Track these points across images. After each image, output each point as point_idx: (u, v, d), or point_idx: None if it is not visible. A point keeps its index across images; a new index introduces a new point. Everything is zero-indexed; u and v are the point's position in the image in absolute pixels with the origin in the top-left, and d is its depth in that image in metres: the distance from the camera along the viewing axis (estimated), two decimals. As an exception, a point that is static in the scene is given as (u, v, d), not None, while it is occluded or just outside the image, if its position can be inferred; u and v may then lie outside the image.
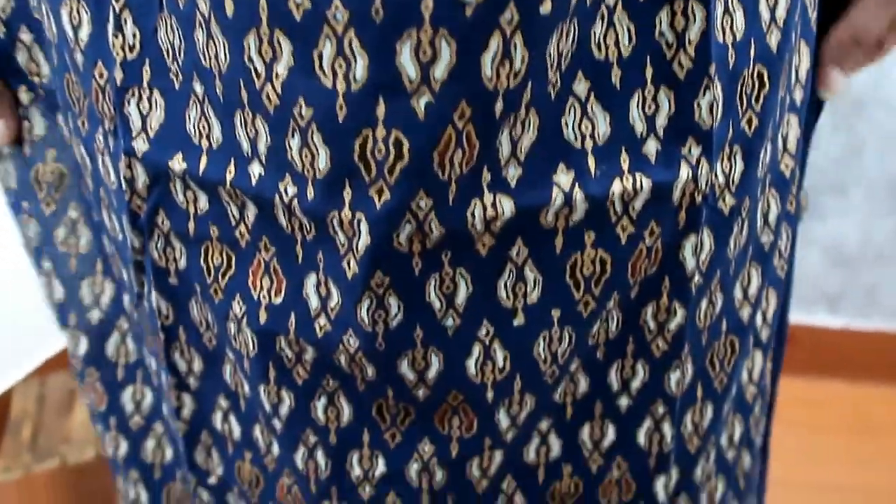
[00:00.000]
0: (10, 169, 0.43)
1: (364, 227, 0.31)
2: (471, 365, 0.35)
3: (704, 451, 0.43)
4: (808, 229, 1.37)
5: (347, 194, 0.30)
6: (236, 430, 0.42)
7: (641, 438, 0.40)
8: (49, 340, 1.59)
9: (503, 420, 0.37)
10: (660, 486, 0.41)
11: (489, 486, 0.40)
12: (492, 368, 0.35)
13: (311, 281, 0.34)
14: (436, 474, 0.38)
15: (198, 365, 0.41)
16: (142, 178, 0.35)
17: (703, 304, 0.37)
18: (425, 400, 0.36)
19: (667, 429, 0.40)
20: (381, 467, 0.39)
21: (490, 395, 0.36)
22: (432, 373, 0.35)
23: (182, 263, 0.37)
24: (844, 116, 1.28)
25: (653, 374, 0.39)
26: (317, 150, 0.30)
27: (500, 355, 0.35)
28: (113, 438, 0.48)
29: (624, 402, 0.39)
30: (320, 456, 0.39)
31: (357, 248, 0.31)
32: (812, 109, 0.42)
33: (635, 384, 0.39)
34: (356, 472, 0.39)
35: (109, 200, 0.39)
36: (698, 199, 0.33)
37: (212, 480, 0.45)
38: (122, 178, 0.35)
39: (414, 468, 0.38)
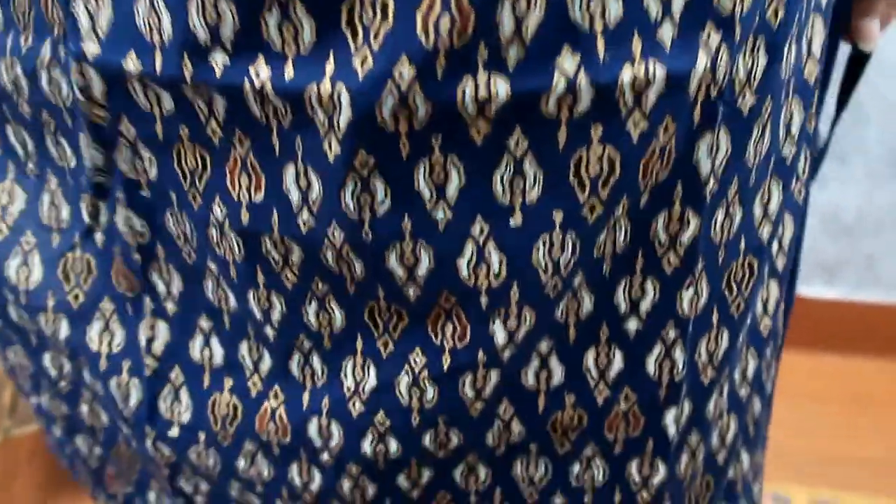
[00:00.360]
0: None
1: (345, 99, 0.29)
2: (463, 265, 0.33)
3: (718, 384, 0.40)
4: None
5: (330, 66, 0.29)
6: (218, 354, 0.40)
7: (651, 367, 0.38)
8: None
9: (499, 334, 0.35)
10: (670, 420, 0.39)
11: (484, 410, 0.37)
12: (486, 272, 0.33)
13: (290, 173, 0.32)
14: (427, 391, 0.36)
15: (177, 285, 0.39)
16: (97, 85, 0.32)
17: (720, 215, 0.35)
18: (416, 301, 0.34)
19: (679, 355, 0.37)
20: (372, 379, 0.37)
21: (484, 301, 0.34)
22: (422, 270, 0.33)
23: (153, 173, 0.35)
24: (846, 82, 1.27)
25: (664, 294, 0.36)
26: (301, 23, 0.28)
27: (495, 258, 0.33)
28: (51, 399, 0.46)
29: (632, 325, 0.37)
30: (316, 361, 0.37)
31: (338, 124, 0.29)
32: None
33: (645, 305, 0.36)
34: (349, 381, 0.37)
35: (58, 122, 0.37)
36: (714, 92, 0.31)
37: (173, 433, 0.42)
38: (76, 87, 0.33)
39: (404, 382, 0.36)
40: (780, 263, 0.42)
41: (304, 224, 0.33)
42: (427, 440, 0.38)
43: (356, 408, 0.37)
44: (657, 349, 0.37)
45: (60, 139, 0.38)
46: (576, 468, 0.41)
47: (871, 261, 1.40)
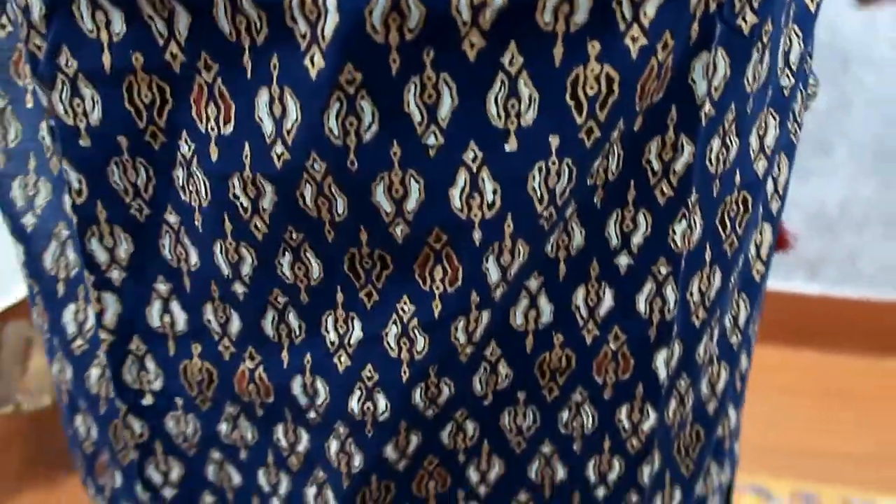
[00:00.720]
0: None
1: (331, 2, 0.27)
2: (455, 195, 0.31)
3: (709, 327, 0.39)
4: (790, 191, 1.37)
5: None
6: (181, 319, 0.37)
7: (642, 305, 0.36)
8: (7, 289, 1.54)
9: (493, 271, 0.33)
10: (660, 363, 0.37)
11: (473, 354, 0.36)
12: (480, 202, 0.31)
13: (262, 99, 0.30)
14: (416, 341, 0.34)
15: (124, 248, 0.35)
16: (37, 6, 0.29)
17: (716, 143, 0.34)
18: (404, 241, 0.32)
19: (670, 293, 0.36)
20: (357, 332, 0.35)
21: (478, 236, 0.32)
22: (412, 203, 0.31)
23: (95, 116, 0.32)
24: (832, 74, 1.28)
25: (656, 227, 0.35)
26: None
27: (489, 187, 0.31)
28: (58, 361, 0.43)
29: (623, 260, 0.35)
30: (293, 318, 0.35)
31: (323, 34, 0.27)
32: None
33: (636, 239, 0.35)
34: (331, 336, 0.35)
35: (12, 54, 0.35)
36: (713, 6, 0.30)
37: (146, 401, 0.39)
38: (14, 6, 0.30)
39: (392, 333, 0.34)
40: (775, 207, 0.41)
41: (279, 158, 0.30)
42: (417, 395, 0.36)
43: (342, 362, 0.35)
44: (648, 286, 0.36)
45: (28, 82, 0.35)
46: (565, 415, 0.39)
47: (852, 256, 1.41)
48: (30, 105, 0.37)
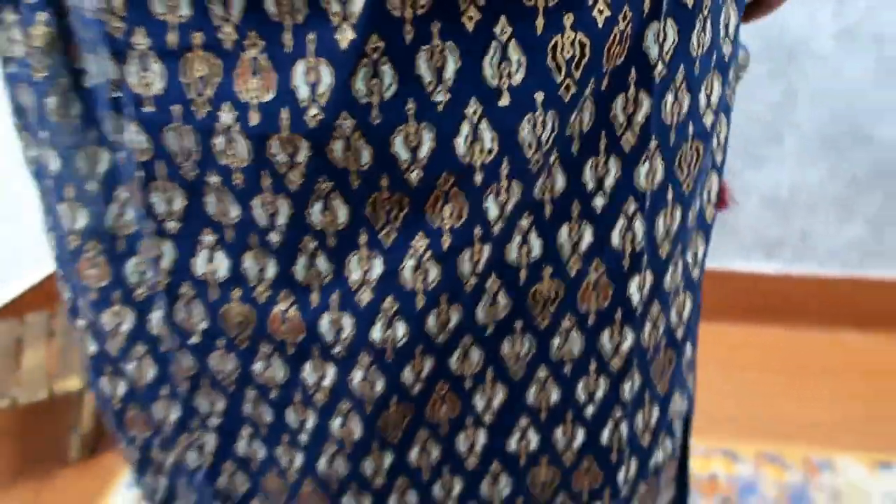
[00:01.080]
0: (17, 35, 0.42)
1: None
2: (460, 143, 0.36)
3: (673, 259, 0.45)
4: (747, 177, 1.45)
5: None
6: (223, 267, 0.41)
7: (616, 239, 0.42)
8: (-6, 292, 1.55)
9: (492, 208, 0.38)
10: (634, 289, 0.43)
11: (476, 285, 0.41)
12: (480, 149, 0.36)
13: (299, 69, 0.34)
14: (429, 272, 0.39)
15: (178, 202, 0.39)
16: None
17: (669, 98, 0.40)
18: (419, 184, 0.37)
19: (638, 226, 0.42)
20: (378, 268, 0.39)
21: (479, 178, 0.37)
22: (424, 150, 0.36)
23: (158, 86, 0.36)
24: (780, 67, 1.35)
25: (624, 170, 0.40)
26: None
27: (487, 136, 0.36)
28: (115, 314, 0.46)
29: (599, 202, 0.41)
30: (321, 261, 0.39)
31: (352, 12, 0.33)
32: None
33: (608, 181, 0.41)
34: (354, 275, 0.39)
35: (88, 37, 0.38)
36: None
37: (194, 340, 0.44)
38: None
39: (409, 266, 0.39)
40: (719, 158, 0.47)
41: (314, 118, 0.35)
42: (430, 321, 0.40)
43: (365, 297, 0.40)
44: (620, 222, 0.42)
45: (91, 56, 0.39)
46: (556, 341, 0.44)
47: (805, 235, 1.48)
48: (95, 81, 0.41)
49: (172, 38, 0.35)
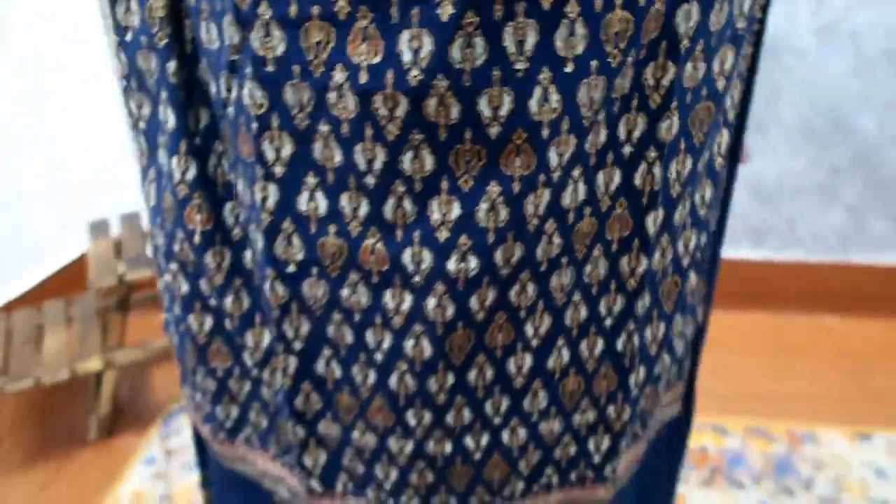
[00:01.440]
0: (134, 7, 0.49)
1: None
2: (533, 104, 0.42)
3: (682, 199, 0.52)
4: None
5: None
6: (322, 206, 0.47)
7: (638, 180, 0.49)
8: (12, 284, 1.60)
9: (553, 158, 0.44)
10: (650, 222, 0.50)
11: (537, 227, 0.47)
12: (548, 108, 0.42)
13: (404, 37, 0.40)
14: (500, 212, 0.45)
15: (287, 149, 0.45)
16: None
17: (689, 67, 0.47)
18: (496, 138, 0.43)
19: (657, 171, 0.49)
20: (456, 210, 0.45)
21: (545, 132, 0.43)
22: (504, 110, 0.42)
23: (280, 49, 0.42)
24: (763, 63, 1.42)
25: (649, 124, 0.47)
26: None
27: (554, 97, 0.42)
28: (217, 253, 0.53)
29: (627, 150, 0.48)
30: (407, 203, 0.46)
31: None
32: None
33: (636, 133, 0.47)
34: (435, 216, 0.45)
35: (211, 7, 0.45)
36: None
37: (290, 269, 0.49)
38: None
39: (483, 207, 0.45)
40: (731, 115, 0.54)
41: (414, 78, 0.41)
42: (498, 256, 0.47)
43: (443, 235, 0.46)
44: (642, 167, 0.49)
45: (211, 24, 0.45)
46: (588, 268, 0.51)
47: (791, 223, 1.55)
48: (213, 46, 0.47)
49: (293, 10, 0.41)
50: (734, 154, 0.59)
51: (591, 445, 0.59)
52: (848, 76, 1.42)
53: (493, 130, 0.43)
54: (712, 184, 0.55)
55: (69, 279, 1.66)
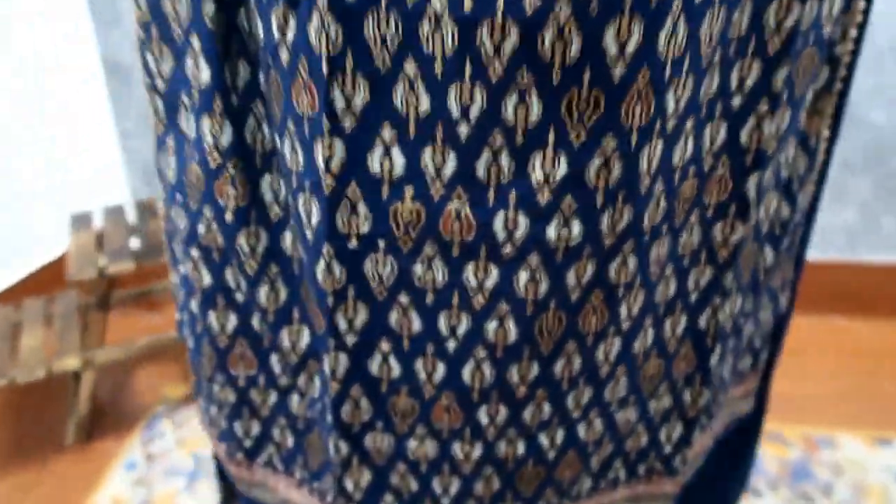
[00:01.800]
0: None
1: None
2: (662, 38, 0.36)
3: (773, 160, 0.46)
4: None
5: None
6: (399, 164, 0.40)
7: (744, 136, 0.44)
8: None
9: (670, 103, 0.39)
10: (752, 185, 0.45)
11: (648, 187, 0.41)
12: (675, 44, 0.37)
13: None
14: (613, 171, 0.39)
15: (361, 96, 0.38)
16: None
17: (808, 6, 0.42)
18: (619, 82, 0.37)
19: (766, 125, 0.44)
20: (562, 169, 0.39)
21: (668, 72, 0.37)
22: (632, 46, 0.36)
23: None
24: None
25: (763, 73, 0.43)
26: None
27: (681, 30, 0.37)
28: (251, 234, 0.46)
29: (736, 101, 0.43)
30: (505, 158, 0.39)
31: None
32: None
33: (749, 82, 0.43)
34: (537, 174, 0.39)
35: None
36: None
37: (352, 244, 0.42)
38: None
39: (594, 166, 0.39)
40: (838, 86, 0.49)
41: (531, 4, 0.34)
42: (604, 221, 0.40)
43: (544, 197, 0.39)
44: (751, 121, 0.44)
45: None
46: (683, 237, 0.46)
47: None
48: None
49: None
50: (837, 119, 0.52)
51: (662, 435, 0.53)
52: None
53: (618, 72, 0.36)
54: (796, 144, 0.50)
55: (50, 278, 1.60)
